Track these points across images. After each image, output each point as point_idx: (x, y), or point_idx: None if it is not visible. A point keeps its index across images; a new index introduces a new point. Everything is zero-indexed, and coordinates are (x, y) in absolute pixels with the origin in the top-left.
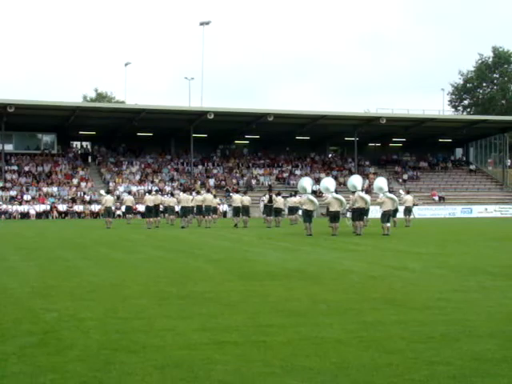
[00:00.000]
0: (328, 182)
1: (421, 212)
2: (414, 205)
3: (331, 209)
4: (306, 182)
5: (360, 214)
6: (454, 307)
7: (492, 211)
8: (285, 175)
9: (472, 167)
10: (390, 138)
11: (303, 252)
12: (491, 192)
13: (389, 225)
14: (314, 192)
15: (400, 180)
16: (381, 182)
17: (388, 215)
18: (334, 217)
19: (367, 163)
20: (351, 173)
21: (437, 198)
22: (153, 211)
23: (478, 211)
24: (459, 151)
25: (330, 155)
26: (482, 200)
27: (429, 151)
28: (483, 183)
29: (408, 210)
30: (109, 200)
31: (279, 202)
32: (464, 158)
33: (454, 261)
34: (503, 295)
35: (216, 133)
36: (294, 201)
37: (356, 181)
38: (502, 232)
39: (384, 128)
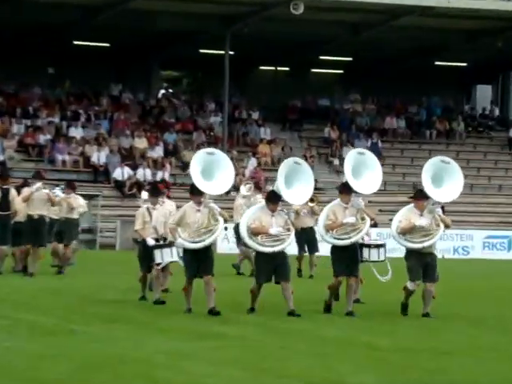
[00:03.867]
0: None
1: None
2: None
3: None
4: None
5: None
6: None
7: None
8: None
9: None
10: (308, 50)
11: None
12: None
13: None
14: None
15: (334, 161)
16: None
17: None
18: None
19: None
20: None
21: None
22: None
23: None
24: (483, 92)
25: None
26: None
27: (410, 90)
28: None
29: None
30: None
31: None
32: (496, 111)
33: None
34: None
35: None
36: None
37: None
38: None
39: (293, 27)
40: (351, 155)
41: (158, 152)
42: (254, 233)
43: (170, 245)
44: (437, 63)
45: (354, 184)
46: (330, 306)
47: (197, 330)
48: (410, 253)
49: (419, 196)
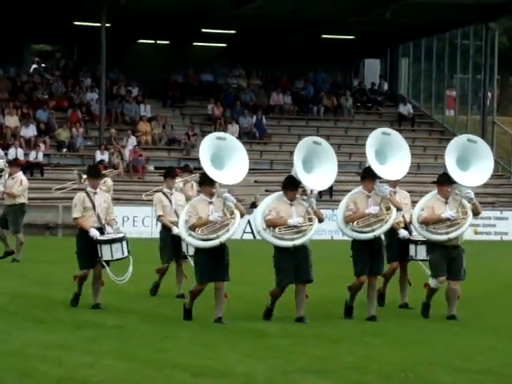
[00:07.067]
0: None
1: None
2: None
3: None
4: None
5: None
6: None
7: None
8: None
9: (405, 109)
10: (189, 23)
11: None
12: None
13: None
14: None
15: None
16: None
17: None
18: None
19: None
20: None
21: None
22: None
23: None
24: (372, 66)
25: None
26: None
27: (296, 64)
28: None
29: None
30: None
31: None
32: (385, 86)
33: None
34: None
35: None
36: None
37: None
38: None
39: None
40: (374, 136)
41: (30, 131)
42: (270, 225)
43: (121, 239)
44: (324, 36)
45: (379, 169)
46: (351, 308)
47: (73, 320)
48: (434, 245)
49: (443, 181)
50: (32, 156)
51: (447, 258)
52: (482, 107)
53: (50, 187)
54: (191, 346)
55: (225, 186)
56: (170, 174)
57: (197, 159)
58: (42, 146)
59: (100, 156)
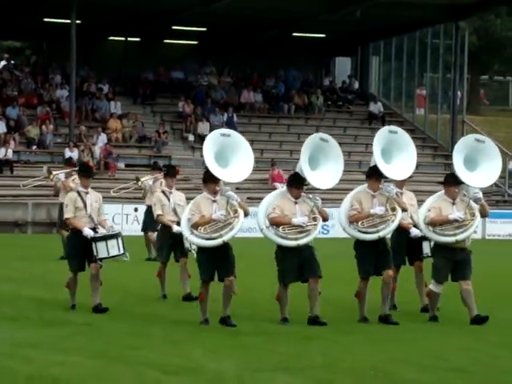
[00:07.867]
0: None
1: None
2: None
3: None
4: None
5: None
6: None
7: None
8: None
9: (376, 107)
10: (160, 20)
11: None
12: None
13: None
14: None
15: (189, 137)
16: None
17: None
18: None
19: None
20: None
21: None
22: None
23: None
24: (343, 64)
25: None
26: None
27: (267, 62)
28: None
29: None
30: None
31: None
32: (356, 85)
33: None
34: None
35: None
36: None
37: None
38: None
39: None
40: (381, 134)
41: (0, 128)
42: (273, 223)
43: (117, 236)
44: (295, 34)
45: (385, 168)
46: (366, 319)
47: (43, 317)
48: (440, 248)
49: (451, 181)
50: (1, 153)
51: (453, 261)
52: (452, 106)
53: (20, 184)
54: (162, 343)
55: (229, 183)
56: (169, 172)
57: (167, 157)
58: (12, 142)
59: (69, 153)
